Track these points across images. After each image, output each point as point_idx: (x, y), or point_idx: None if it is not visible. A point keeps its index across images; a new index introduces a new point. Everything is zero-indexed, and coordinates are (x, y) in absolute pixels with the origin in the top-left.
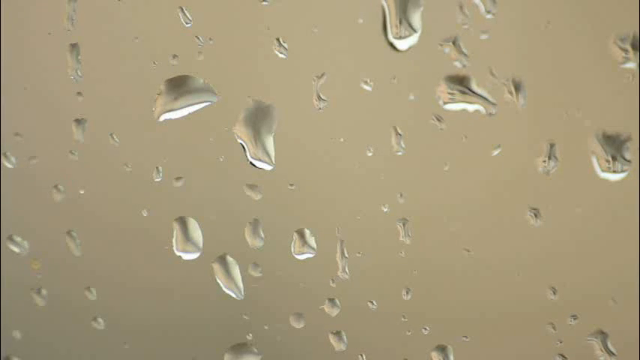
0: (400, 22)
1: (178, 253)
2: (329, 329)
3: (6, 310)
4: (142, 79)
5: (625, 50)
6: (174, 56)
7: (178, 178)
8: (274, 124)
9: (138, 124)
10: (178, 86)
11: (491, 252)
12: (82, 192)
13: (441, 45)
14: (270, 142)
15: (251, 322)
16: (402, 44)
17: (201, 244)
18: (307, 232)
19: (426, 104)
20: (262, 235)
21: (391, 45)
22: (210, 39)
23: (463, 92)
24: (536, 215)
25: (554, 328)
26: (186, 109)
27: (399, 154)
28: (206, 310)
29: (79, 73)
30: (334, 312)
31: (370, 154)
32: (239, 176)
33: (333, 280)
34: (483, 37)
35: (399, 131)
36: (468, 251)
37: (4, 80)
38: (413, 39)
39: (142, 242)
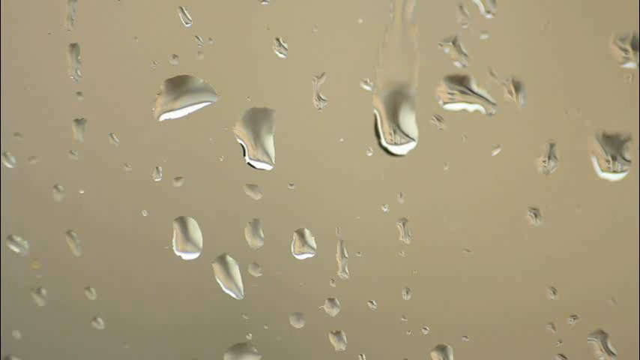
0: (394, 132)
1: (178, 253)
2: (329, 329)
3: (6, 310)
4: (142, 79)
5: (625, 50)
6: (174, 56)
7: (178, 178)
8: (274, 124)
9: (138, 124)
10: (178, 86)
11: (491, 252)
12: (82, 192)
13: (441, 45)
14: (269, 143)
15: (251, 322)
16: (397, 150)
17: (201, 244)
18: (307, 232)
19: (426, 104)
20: (262, 235)
21: (385, 150)
22: (210, 39)
23: (463, 92)
24: (536, 215)
25: (554, 328)
26: (186, 109)
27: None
28: (206, 310)
29: (79, 73)
30: (334, 312)
31: (370, 154)
32: (239, 176)
33: (333, 280)
34: (483, 37)
35: None
36: (468, 251)
37: (4, 80)
38: (409, 146)
39: (142, 242)
